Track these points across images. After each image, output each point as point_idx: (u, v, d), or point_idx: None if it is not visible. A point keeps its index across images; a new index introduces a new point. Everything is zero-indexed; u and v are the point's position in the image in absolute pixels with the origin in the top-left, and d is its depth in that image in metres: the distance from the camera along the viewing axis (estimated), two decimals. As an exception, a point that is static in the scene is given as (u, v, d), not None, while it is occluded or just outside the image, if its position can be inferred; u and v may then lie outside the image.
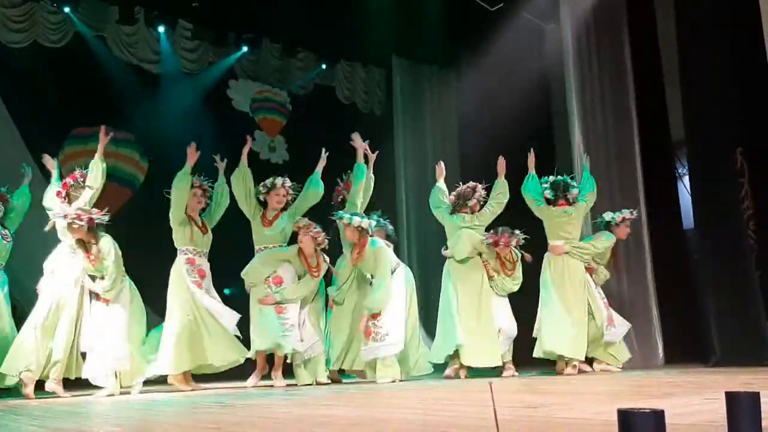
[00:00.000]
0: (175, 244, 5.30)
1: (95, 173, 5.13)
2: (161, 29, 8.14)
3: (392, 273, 5.38)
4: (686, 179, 7.02)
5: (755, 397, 1.28)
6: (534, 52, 8.90)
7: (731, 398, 1.29)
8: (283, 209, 5.53)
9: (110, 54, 7.83)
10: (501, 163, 5.85)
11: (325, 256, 5.42)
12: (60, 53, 7.47)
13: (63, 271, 4.94)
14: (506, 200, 5.80)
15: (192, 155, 5.22)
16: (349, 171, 5.84)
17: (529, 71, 8.69)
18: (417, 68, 9.74)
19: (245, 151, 5.58)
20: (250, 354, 5.23)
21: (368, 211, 5.75)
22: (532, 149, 6.01)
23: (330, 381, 5.37)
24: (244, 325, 5.35)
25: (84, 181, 5.14)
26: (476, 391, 3.85)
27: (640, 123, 7.07)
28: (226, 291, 8.44)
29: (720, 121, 5.72)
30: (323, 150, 5.72)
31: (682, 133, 6.28)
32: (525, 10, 8.36)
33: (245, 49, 8.83)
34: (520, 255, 5.77)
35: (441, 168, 5.97)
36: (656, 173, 7.20)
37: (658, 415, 1.09)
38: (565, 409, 2.51)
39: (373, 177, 5.91)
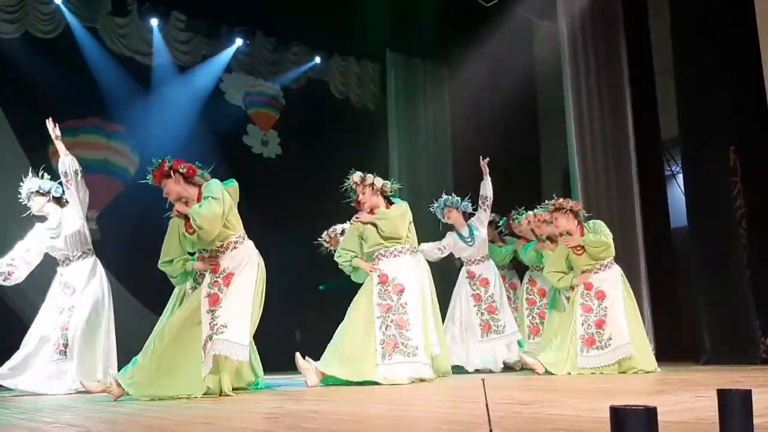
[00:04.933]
0: None
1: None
2: (154, 21, 8.09)
3: None
4: (680, 177, 7.04)
5: (747, 394, 1.27)
6: (528, 49, 8.91)
7: (723, 396, 1.28)
8: None
9: (102, 46, 7.78)
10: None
11: None
12: (51, 44, 7.41)
13: None
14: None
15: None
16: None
17: (523, 68, 8.71)
18: (411, 63, 9.72)
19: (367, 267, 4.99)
20: None
21: None
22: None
23: None
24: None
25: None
26: (468, 388, 3.85)
27: (635, 121, 7.08)
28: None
29: (713, 119, 5.73)
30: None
31: (676, 131, 6.29)
32: (520, 6, 8.36)
33: (239, 42, 8.79)
34: None
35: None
36: (651, 171, 7.22)
37: (651, 412, 1.09)
38: (557, 406, 2.51)
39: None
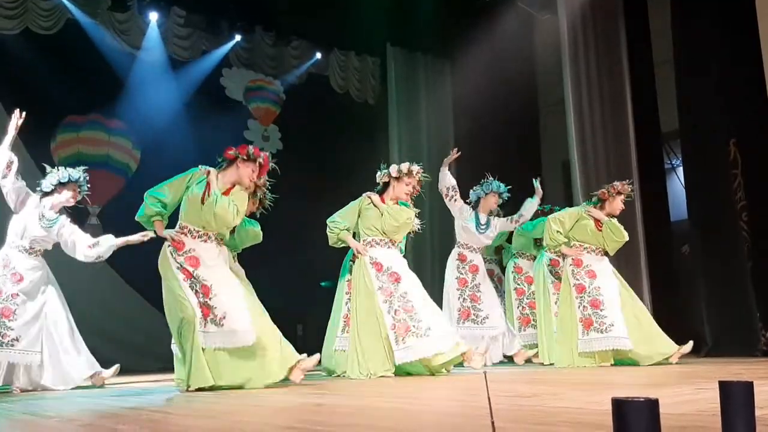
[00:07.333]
0: None
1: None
2: (153, 16, 8.07)
3: None
4: (680, 170, 7.03)
5: (749, 386, 1.28)
6: (528, 43, 8.90)
7: (725, 387, 1.29)
8: None
9: (102, 41, 7.77)
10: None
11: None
12: (52, 40, 7.40)
13: None
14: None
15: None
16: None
17: (523, 61, 8.69)
18: (411, 57, 9.70)
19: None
20: None
21: None
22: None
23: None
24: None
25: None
26: (470, 381, 3.86)
27: (634, 113, 7.07)
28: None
29: (714, 111, 5.73)
30: None
31: (676, 123, 6.29)
32: (520, 0, 8.35)
33: (239, 37, 8.78)
34: None
35: None
36: (651, 164, 7.21)
37: (652, 404, 1.09)
38: (559, 398, 2.52)
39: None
